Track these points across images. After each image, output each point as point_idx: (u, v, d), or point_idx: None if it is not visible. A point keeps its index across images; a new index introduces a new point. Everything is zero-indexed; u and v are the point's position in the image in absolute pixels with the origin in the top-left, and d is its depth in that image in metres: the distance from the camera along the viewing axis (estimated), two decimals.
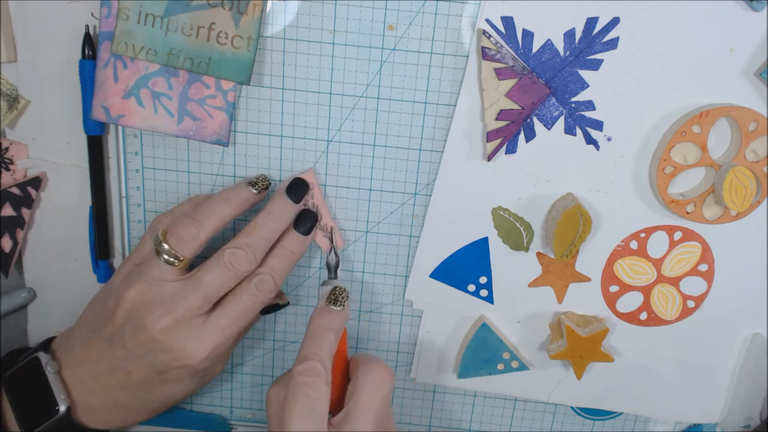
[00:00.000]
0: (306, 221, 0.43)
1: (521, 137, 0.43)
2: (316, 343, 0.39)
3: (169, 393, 0.42)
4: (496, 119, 0.41)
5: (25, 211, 0.45)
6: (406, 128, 0.43)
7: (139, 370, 0.40)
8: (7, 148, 0.44)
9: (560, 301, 0.48)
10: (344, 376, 0.42)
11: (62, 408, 0.40)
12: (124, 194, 0.46)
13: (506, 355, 0.48)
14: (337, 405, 0.41)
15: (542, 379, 0.50)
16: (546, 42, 0.40)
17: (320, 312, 0.41)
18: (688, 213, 0.44)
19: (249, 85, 0.42)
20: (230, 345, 0.44)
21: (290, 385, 0.38)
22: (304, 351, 0.39)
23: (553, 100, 0.42)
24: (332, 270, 0.45)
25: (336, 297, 0.42)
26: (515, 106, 0.41)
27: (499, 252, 0.46)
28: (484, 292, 0.47)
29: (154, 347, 0.39)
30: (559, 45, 0.41)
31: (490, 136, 0.42)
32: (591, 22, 0.40)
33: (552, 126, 0.42)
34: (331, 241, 0.45)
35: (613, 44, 0.41)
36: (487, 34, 0.40)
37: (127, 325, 0.39)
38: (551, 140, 0.43)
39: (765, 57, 0.41)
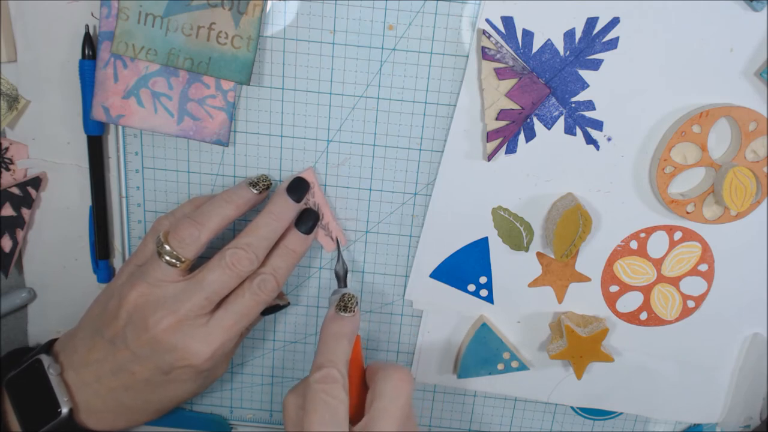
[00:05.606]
0: (308, 220, 0.43)
1: (521, 137, 0.43)
2: (330, 350, 0.39)
3: (173, 394, 0.42)
4: (496, 119, 0.41)
5: (25, 211, 0.45)
6: (406, 128, 0.43)
7: (143, 371, 0.40)
8: (7, 148, 0.44)
9: (560, 301, 0.48)
10: (362, 383, 0.42)
11: (65, 410, 0.40)
12: (124, 194, 0.46)
13: (506, 355, 0.48)
14: (355, 412, 0.40)
15: (542, 379, 0.50)
16: (546, 42, 0.40)
17: (331, 319, 0.41)
18: (688, 213, 0.44)
19: (249, 85, 0.42)
20: (233, 345, 0.44)
21: (307, 393, 0.37)
22: (319, 359, 0.39)
23: (553, 100, 0.42)
24: (341, 279, 0.45)
25: (345, 304, 0.42)
26: (515, 106, 0.41)
27: (499, 252, 0.46)
28: (484, 292, 0.47)
29: (157, 348, 0.39)
30: (559, 45, 0.41)
31: (490, 136, 0.42)
32: (591, 22, 0.40)
33: (552, 126, 0.42)
34: (338, 249, 0.46)
35: (613, 44, 0.41)
36: (487, 34, 0.40)
37: (130, 326, 0.39)
38: (551, 140, 0.43)
39: (765, 57, 0.41)
